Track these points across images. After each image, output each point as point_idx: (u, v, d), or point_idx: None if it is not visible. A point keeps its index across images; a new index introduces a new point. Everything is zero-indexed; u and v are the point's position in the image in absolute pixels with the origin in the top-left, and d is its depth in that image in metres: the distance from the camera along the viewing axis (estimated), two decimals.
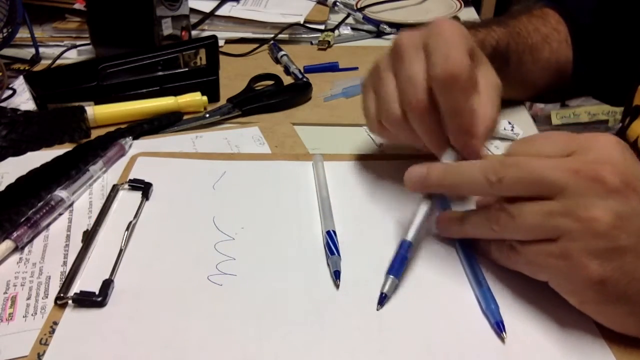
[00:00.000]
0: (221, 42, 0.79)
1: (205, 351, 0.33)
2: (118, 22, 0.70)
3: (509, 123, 0.57)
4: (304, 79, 0.68)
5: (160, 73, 0.63)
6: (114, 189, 0.47)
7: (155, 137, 0.57)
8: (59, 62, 0.74)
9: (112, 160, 0.51)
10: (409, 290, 0.38)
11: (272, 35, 0.81)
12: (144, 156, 0.52)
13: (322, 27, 0.86)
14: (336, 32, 0.86)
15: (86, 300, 0.36)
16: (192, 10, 0.79)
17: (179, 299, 0.37)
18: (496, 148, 0.55)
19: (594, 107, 1.75)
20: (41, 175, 0.48)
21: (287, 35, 0.83)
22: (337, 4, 0.90)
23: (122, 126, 0.57)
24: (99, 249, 0.41)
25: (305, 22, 0.84)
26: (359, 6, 0.92)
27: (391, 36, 0.85)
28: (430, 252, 0.41)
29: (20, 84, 0.67)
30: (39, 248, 0.42)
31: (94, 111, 0.57)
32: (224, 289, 0.38)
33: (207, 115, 0.60)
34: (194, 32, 0.80)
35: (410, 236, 0.39)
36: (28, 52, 0.76)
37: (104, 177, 0.50)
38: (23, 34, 0.73)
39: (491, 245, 0.38)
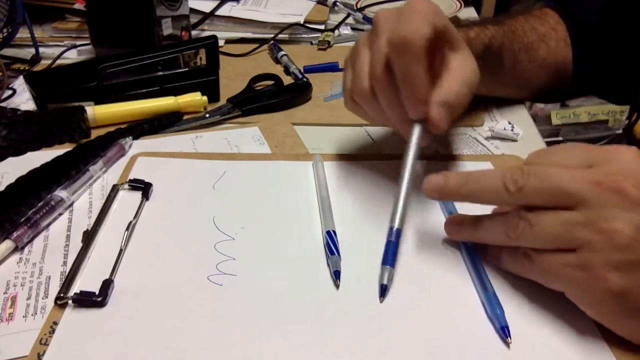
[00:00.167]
0: (221, 42, 0.79)
1: (205, 351, 0.33)
2: (118, 22, 0.70)
3: (509, 123, 0.57)
4: (304, 79, 0.68)
5: (160, 73, 0.63)
6: (114, 189, 0.47)
7: (155, 137, 0.57)
8: (59, 62, 0.74)
9: (112, 160, 0.51)
10: (411, 292, 0.38)
11: (272, 35, 0.81)
12: (144, 156, 0.52)
13: (322, 27, 0.86)
14: (336, 32, 0.86)
15: (86, 300, 0.36)
16: (192, 10, 0.80)
17: (179, 299, 0.37)
18: (496, 148, 0.55)
19: (594, 107, 1.75)
20: (41, 175, 0.48)
21: (287, 35, 0.83)
22: (337, 4, 0.90)
23: (122, 126, 0.57)
24: (99, 249, 0.41)
25: (305, 22, 0.84)
26: (359, 6, 0.92)
27: None
28: (435, 255, 0.41)
29: (20, 84, 0.67)
30: (39, 248, 0.42)
31: (94, 111, 0.57)
32: (224, 289, 0.38)
33: (207, 115, 0.60)
34: (194, 32, 0.80)
35: (397, 223, 0.39)
36: (28, 52, 0.76)
37: (104, 177, 0.50)
38: (23, 34, 0.73)
39: (502, 252, 0.38)
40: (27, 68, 0.73)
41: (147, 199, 0.46)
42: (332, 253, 0.40)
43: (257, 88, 0.67)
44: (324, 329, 0.35)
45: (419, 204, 0.46)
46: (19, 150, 0.53)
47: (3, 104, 0.62)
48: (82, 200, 0.47)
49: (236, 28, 0.84)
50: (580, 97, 1.64)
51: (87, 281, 0.38)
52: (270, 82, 0.68)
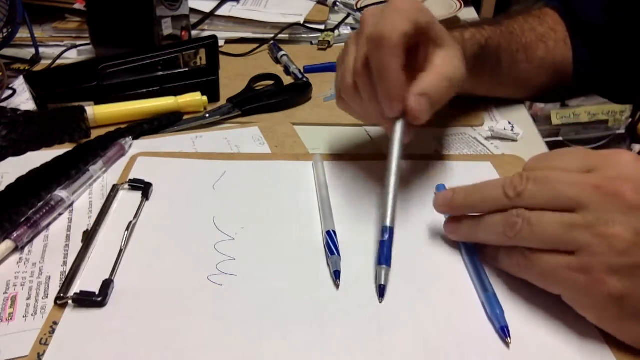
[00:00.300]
0: (221, 42, 0.80)
1: (205, 351, 0.33)
2: (118, 22, 0.70)
3: (509, 123, 0.57)
4: (304, 79, 0.68)
5: (160, 73, 0.63)
6: (114, 189, 0.47)
7: (155, 137, 0.57)
8: (59, 62, 0.74)
9: (112, 160, 0.51)
10: (410, 292, 0.38)
11: (272, 35, 0.81)
12: (144, 156, 0.52)
13: (322, 27, 0.86)
14: (336, 32, 0.86)
15: (86, 300, 0.36)
16: (192, 10, 0.80)
17: (179, 299, 0.37)
18: (496, 148, 0.55)
19: (594, 107, 1.75)
20: (41, 175, 0.48)
21: (287, 35, 0.83)
22: (337, 4, 0.90)
23: (122, 126, 0.57)
24: (99, 249, 0.41)
25: (305, 22, 0.84)
26: (359, 6, 0.92)
27: None
28: (435, 255, 0.41)
29: (20, 84, 0.67)
30: (39, 248, 0.42)
31: (94, 111, 0.57)
32: (224, 289, 0.38)
33: (207, 115, 0.60)
34: (194, 32, 0.80)
35: (388, 221, 0.39)
36: (28, 52, 0.76)
37: (104, 177, 0.50)
38: (23, 34, 0.73)
39: (500, 252, 0.38)
40: (27, 68, 0.73)
41: (147, 199, 0.46)
42: (332, 253, 0.40)
43: (257, 88, 0.67)
44: (324, 329, 0.35)
45: (419, 203, 0.46)
46: (19, 150, 0.53)
47: (3, 104, 0.62)
48: (82, 200, 0.47)
49: (236, 28, 0.84)
50: (581, 97, 1.64)
51: (87, 281, 0.38)
52: (270, 82, 0.68)
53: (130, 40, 0.70)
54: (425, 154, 0.53)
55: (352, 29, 0.88)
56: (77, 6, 0.82)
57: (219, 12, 0.84)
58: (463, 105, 0.62)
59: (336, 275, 0.38)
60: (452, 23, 0.82)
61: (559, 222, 0.33)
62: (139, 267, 0.39)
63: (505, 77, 0.59)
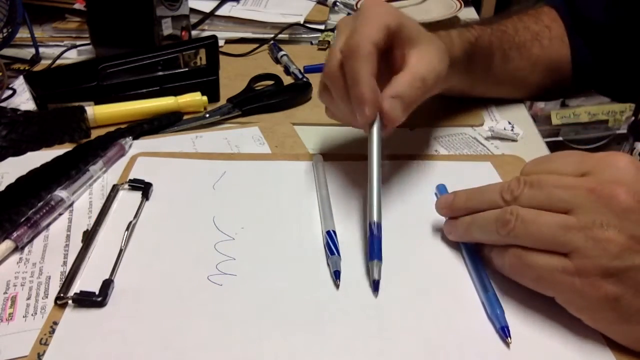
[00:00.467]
0: (221, 42, 0.79)
1: (205, 351, 0.33)
2: (118, 22, 0.70)
3: (509, 123, 0.57)
4: (304, 79, 0.68)
5: (160, 73, 0.63)
6: (114, 189, 0.47)
7: (155, 137, 0.57)
8: (59, 62, 0.74)
9: (112, 160, 0.51)
10: (411, 292, 0.38)
11: (272, 35, 0.81)
12: (144, 156, 0.52)
13: (322, 27, 0.86)
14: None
15: (86, 300, 0.36)
16: (192, 10, 0.79)
17: (179, 299, 0.37)
18: (496, 148, 0.55)
19: (594, 107, 1.75)
20: (41, 175, 0.48)
21: (287, 35, 0.83)
22: (337, 4, 0.90)
23: (122, 126, 0.57)
24: (99, 249, 0.41)
25: (305, 22, 0.84)
26: (358, 6, 0.92)
27: None
28: (435, 255, 0.41)
29: (20, 84, 0.67)
30: (39, 248, 0.42)
31: (94, 111, 0.57)
32: (224, 289, 0.38)
33: (207, 115, 0.60)
34: (194, 32, 0.80)
35: (375, 217, 0.40)
36: (28, 52, 0.76)
37: (104, 177, 0.50)
38: (23, 34, 0.73)
39: (493, 251, 0.38)
40: (27, 68, 0.73)
41: (147, 199, 0.46)
42: (332, 253, 0.40)
43: (257, 88, 0.67)
44: (324, 329, 0.35)
45: (419, 204, 0.46)
46: (19, 150, 0.53)
47: (3, 104, 0.62)
48: (82, 200, 0.47)
49: (236, 28, 0.84)
50: (581, 95, 1.64)
51: (87, 281, 0.38)
52: (270, 82, 0.68)
53: (130, 40, 0.70)
54: (426, 154, 0.54)
55: None
56: (77, 6, 0.82)
57: (219, 12, 0.84)
58: (463, 105, 0.62)
59: (336, 275, 0.38)
60: (452, 23, 0.82)
61: (554, 223, 0.33)
62: (139, 267, 0.39)
63: (500, 76, 0.59)
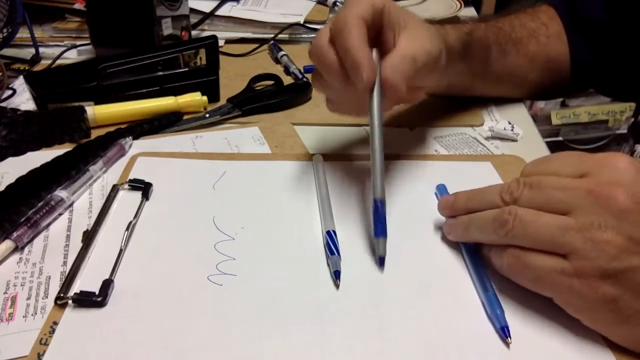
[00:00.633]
0: (221, 42, 0.79)
1: (205, 351, 0.33)
2: (118, 22, 0.70)
3: (509, 123, 0.57)
4: (304, 79, 0.68)
5: (160, 73, 0.63)
6: (114, 189, 0.47)
7: (155, 137, 0.57)
8: (59, 62, 0.74)
9: (112, 160, 0.51)
10: (411, 292, 0.38)
11: (272, 35, 0.81)
12: (144, 156, 0.52)
13: (322, 27, 0.86)
14: None
15: (86, 300, 0.36)
16: (192, 10, 0.79)
17: (179, 299, 0.37)
18: (496, 148, 0.55)
19: (594, 107, 1.75)
20: (41, 175, 0.48)
21: (287, 35, 0.83)
22: (337, 4, 0.90)
23: (122, 126, 0.57)
24: (99, 249, 0.41)
25: (305, 22, 0.84)
26: None
27: None
28: (435, 255, 0.41)
29: (20, 84, 0.67)
30: (39, 248, 0.42)
31: (94, 111, 0.57)
32: (224, 289, 0.38)
33: (207, 115, 0.60)
34: (194, 32, 0.80)
35: (379, 194, 0.40)
36: (28, 52, 0.76)
37: (104, 177, 0.50)
38: (23, 34, 0.73)
39: (491, 251, 0.38)
40: (27, 68, 0.73)
41: (147, 199, 0.46)
42: (332, 253, 0.40)
43: (257, 88, 0.67)
44: (324, 329, 0.35)
45: (419, 203, 0.46)
46: (19, 150, 0.53)
47: (3, 104, 0.62)
48: (82, 200, 0.47)
49: (236, 28, 0.84)
50: (581, 94, 1.64)
51: (87, 281, 0.38)
52: (270, 82, 0.68)
53: (130, 40, 0.70)
54: (425, 154, 0.54)
55: None
56: (77, 6, 0.82)
57: (219, 12, 0.84)
58: (463, 105, 0.62)
59: (336, 275, 0.38)
60: (452, 23, 0.82)
61: (552, 224, 0.33)
62: (139, 267, 0.39)
63: (499, 73, 0.59)
